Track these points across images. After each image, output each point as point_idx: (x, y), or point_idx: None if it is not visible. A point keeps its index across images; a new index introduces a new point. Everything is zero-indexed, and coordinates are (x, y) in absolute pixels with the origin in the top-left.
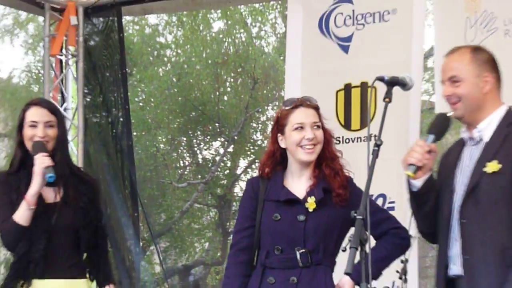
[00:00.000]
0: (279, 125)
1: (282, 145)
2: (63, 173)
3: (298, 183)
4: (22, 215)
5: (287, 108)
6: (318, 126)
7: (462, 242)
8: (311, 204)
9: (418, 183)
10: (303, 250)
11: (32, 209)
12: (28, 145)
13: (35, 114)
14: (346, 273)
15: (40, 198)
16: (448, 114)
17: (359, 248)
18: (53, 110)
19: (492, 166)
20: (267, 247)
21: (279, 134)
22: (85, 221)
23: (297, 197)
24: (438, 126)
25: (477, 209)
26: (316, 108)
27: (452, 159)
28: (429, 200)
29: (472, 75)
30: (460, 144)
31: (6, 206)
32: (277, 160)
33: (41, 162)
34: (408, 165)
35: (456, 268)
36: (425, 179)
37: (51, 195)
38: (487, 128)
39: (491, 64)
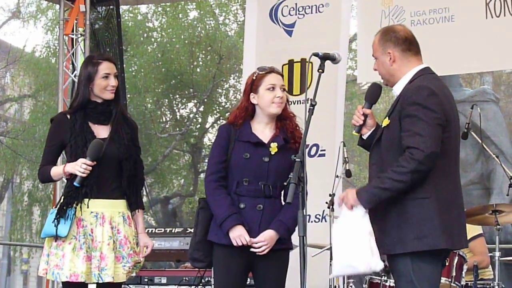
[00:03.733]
0: (253, 85)
1: (254, 102)
2: (115, 116)
3: (264, 131)
4: (56, 175)
5: (261, 72)
6: (284, 89)
7: (369, 180)
8: (273, 148)
9: (364, 137)
10: (266, 183)
11: (63, 177)
12: (99, 91)
13: (107, 67)
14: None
15: (93, 134)
16: (378, 84)
17: (298, 183)
18: (115, 63)
19: (385, 122)
20: (237, 178)
21: (252, 93)
22: (127, 154)
23: (264, 141)
24: (371, 93)
25: (379, 154)
26: (282, 75)
27: None
28: None
29: (380, 53)
30: None
31: (52, 148)
32: (248, 113)
33: (83, 172)
34: (354, 127)
35: None
36: (369, 133)
37: (103, 132)
38: (399, 87)
39: (394, 40)
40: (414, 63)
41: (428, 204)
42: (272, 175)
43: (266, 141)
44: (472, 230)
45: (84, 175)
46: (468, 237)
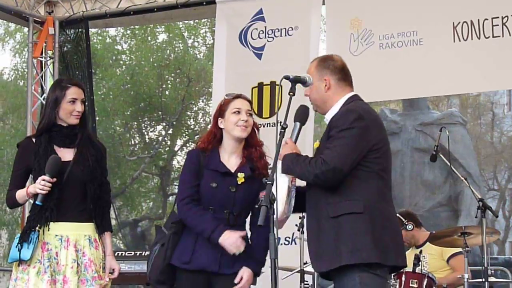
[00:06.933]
0: (221, 111)
1: (221, 126)
2: (80, 139)
3: (230, 159)
4: (21, 198)
5: (228, 98)
6: (251, 114)
7: (307, 202)
8: (240, 178)
9: None
10: (231, 212)
11: (28, 199)
12: (64, 116)
13: (75, 92)
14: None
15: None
16: (306, 105)
17: (269, 206)
18: (84, 89)
19: (316, 144)
20: (203, 206)
21: (219, 118)
22: (91, 176)
23: (231, 171)
24: (300, 114)
25: None
26: (250, 102)
27: None
28: None
29: (316, 79)
30: None
31: (19, 172)
32: (217, 139)
33: (41, 188)
34: None
35: None
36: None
37: (68, 155)
38: (330, 114)
39: (332, 68)
40: (347, 92)
41: (361, 219)
42: (238, 205)
43: (233, 170)
44: (452, 248)
45: (44, 192)
46: (449, 255)
